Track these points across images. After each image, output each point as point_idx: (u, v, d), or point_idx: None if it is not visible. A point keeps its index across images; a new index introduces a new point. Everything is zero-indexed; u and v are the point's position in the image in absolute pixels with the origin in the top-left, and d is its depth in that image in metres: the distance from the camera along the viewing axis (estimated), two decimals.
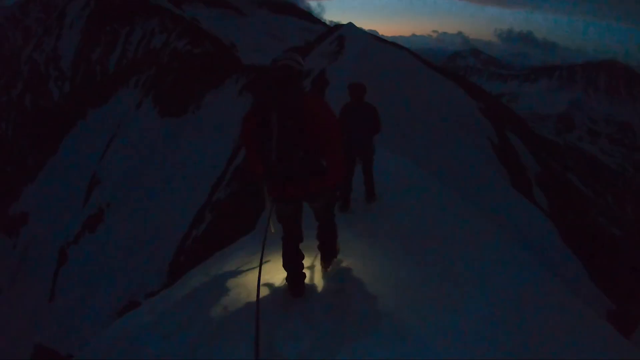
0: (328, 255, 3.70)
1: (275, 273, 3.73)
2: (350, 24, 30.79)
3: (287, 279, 3.40)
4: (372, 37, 29.70)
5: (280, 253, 3.38)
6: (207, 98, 36.34)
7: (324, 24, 72.61)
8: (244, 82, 36.33)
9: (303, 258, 3.38)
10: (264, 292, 3.45)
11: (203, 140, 32.29)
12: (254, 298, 3.11)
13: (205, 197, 25.31)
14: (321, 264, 3.73)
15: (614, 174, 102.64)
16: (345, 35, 28.03)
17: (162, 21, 46.94)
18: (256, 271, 3.54)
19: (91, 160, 36.68)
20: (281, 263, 3.38)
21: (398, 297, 3.21)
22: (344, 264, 3.81)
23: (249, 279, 3.82)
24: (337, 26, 33.50)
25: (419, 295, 3.26)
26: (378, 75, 21.51)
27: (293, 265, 3.34)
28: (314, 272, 3.71)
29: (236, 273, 4.10)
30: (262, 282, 3.17)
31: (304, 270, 3.40)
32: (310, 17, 79.71)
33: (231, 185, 23.64)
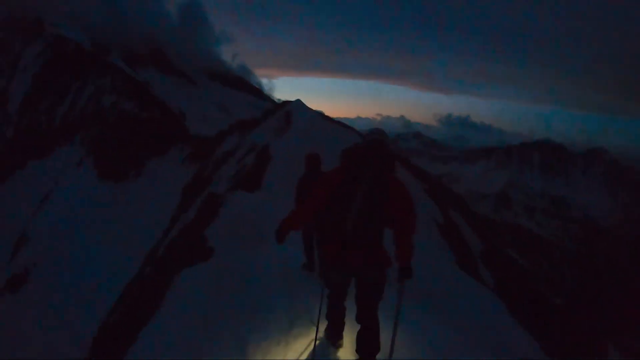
0: (367, 348, 3.40)
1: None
2: (298, 101, 30.90)
3: (326, 329, 3.76)
4: (319, 115, 29.89)
5: None
6: (149, 165, 34.95)
7: (272, 100, 74.38)
8: (189, 152, 35.45)
9: (345, 310, 3.63)
10: None
11: (139, 209, 30.39)
12: None
13: (136, 271, 23.35)
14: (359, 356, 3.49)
15: (550, 245, 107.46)
16: (292, 111, 28.08)
17: (114, 80, 45.90)
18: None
19: (24, 213, 33.83)
20: None
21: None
22: None
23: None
24: (285, 102, 33.72)
25: None
26: (324, 152, 21.15)
27: (336, 315, 3.62)
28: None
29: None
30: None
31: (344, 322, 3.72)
32: (259, 94, 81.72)
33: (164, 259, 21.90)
